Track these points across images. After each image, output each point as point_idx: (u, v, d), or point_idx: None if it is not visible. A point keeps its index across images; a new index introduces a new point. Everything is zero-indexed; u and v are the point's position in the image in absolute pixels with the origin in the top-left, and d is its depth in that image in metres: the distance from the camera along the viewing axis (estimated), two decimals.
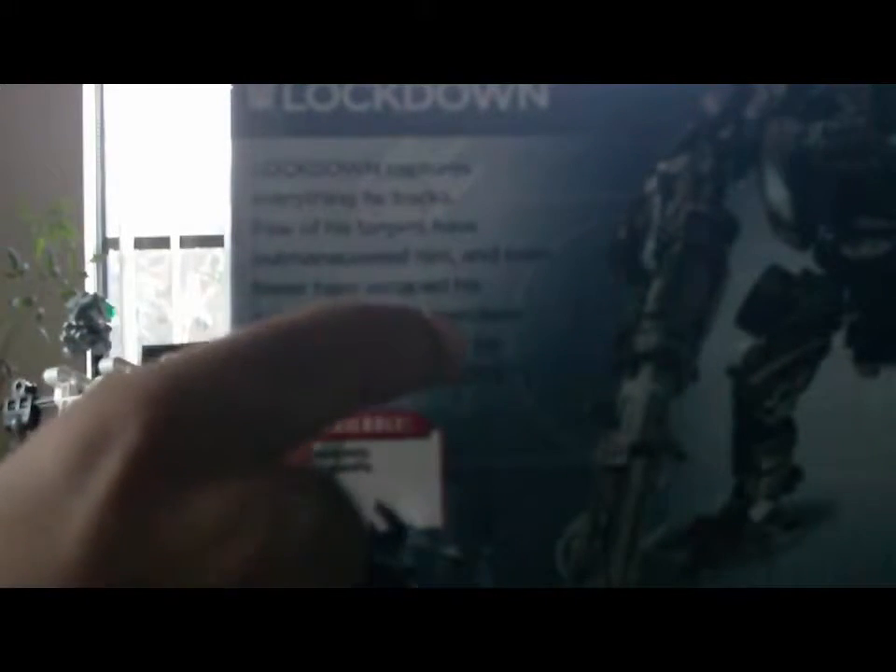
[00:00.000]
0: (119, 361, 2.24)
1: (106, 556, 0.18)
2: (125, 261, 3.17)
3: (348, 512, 0.21)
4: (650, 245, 0.29)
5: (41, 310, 2.49)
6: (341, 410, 0.22)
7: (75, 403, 0.20)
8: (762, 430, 0.30)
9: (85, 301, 2.45)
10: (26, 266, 2.50)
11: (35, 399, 2.24)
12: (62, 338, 2.42)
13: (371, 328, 0.22)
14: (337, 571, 0.20)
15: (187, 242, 3.16)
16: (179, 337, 3.12)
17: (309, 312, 0.22)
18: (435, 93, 0.29)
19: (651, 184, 0.29)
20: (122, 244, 3.15)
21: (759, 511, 0.30)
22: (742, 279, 0.29)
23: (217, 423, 0.20)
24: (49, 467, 0.19)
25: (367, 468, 0.28)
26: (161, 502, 0.19)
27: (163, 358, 0.21)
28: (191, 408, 0.20)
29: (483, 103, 0.29)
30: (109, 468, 0.18)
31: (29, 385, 2.25)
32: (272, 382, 0.20)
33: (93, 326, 2.43)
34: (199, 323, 3.24)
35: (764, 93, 0.29)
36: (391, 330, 0.22)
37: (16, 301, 2.49)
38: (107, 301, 2.59)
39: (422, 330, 0.23)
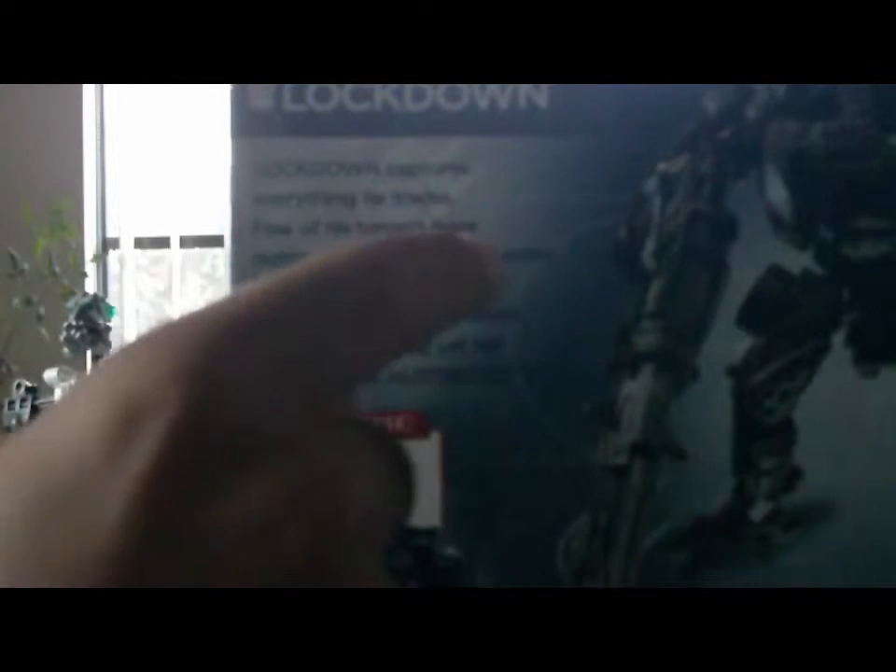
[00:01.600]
0: None
1: (145, 548, 0.16)
2: (125, 261, 3.17)
3: (403, 469, 0.20)
4: (650, 245, 0.29)
5: (41, 310, 2.49)
6: (393, 347, 0.21)
7: (107, 363, 0.18)
8: (762, 430, 0.30)
9: (85, 301, 2.45)
10: (26, 266, 2.50)
11: (34, 399, 2.24)
12: (62, 338, 2.42)
13: (407, 260, 0.21)
14: (390, 530, 0.20)
15: (187, 242, 3.16)
16: None
17: (338, 253, 0.20)
18: (435, 93, 0.29)
19: (652, 184, 0.29)
20: (122, 244, 3.15)
21: (759, 511, 0.30)
22: (742, 279, 0.29)
23: (263, 387, 0.18)
24: (80, 440, 0.17)
25: None
26: (206, 485, 0.17)
27: (191, 314, 0.19)
28: (236, 374, 0.18)
29: (482, 103, 0.29)
30: (149, 445, 0.17)
31: (29, 385, 2.25)
32: (315, 330, 0.19)
33: (93, 326, 2.43)
34: None
35: (764, 93, 0.29)
36: (429, 261, 0.21)
37: (16, 301, 2.49)
38: (107, 300, 2.59)
39: (458, 255, 0.22)
